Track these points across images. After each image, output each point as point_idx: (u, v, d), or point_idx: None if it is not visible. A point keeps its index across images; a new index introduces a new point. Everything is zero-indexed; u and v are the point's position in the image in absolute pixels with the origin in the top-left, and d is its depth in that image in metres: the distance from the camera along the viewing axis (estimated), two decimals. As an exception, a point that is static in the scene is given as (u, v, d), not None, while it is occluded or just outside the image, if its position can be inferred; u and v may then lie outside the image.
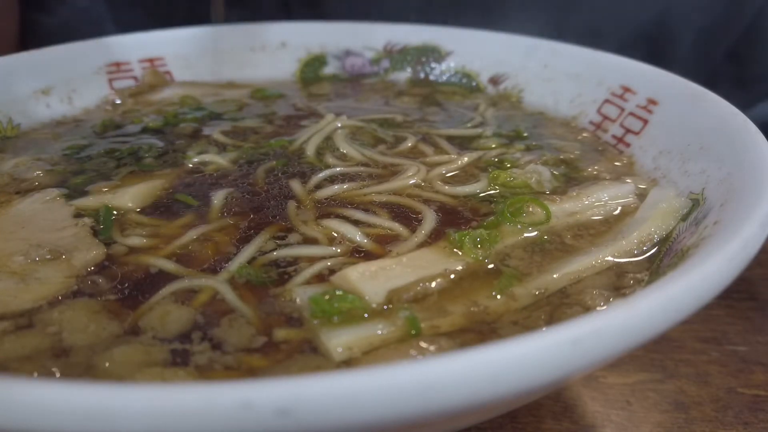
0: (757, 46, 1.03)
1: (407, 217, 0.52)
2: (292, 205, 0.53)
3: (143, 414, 0.22)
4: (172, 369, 0.36)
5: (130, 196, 0.54)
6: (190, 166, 0.62)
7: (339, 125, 0.68)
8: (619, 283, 0.44)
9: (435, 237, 0.48)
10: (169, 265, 0.45)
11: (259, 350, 0.38)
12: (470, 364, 0.24)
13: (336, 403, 0.22)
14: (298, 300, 0.41)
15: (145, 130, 0.71)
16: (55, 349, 0.37)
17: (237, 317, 0.40)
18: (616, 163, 0.62)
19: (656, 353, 0.59)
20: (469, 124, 0.74)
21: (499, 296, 0.42)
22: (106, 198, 0.54)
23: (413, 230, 0.49)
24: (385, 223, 0.50)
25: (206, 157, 0.63)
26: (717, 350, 0.59)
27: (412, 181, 0.58)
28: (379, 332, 0.38)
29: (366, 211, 0.52)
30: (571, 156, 0.64)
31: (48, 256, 0.45)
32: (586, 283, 0.44)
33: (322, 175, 0.58)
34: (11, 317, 0.40)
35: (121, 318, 0.40)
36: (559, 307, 0.42)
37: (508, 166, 0.61)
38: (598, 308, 0.41)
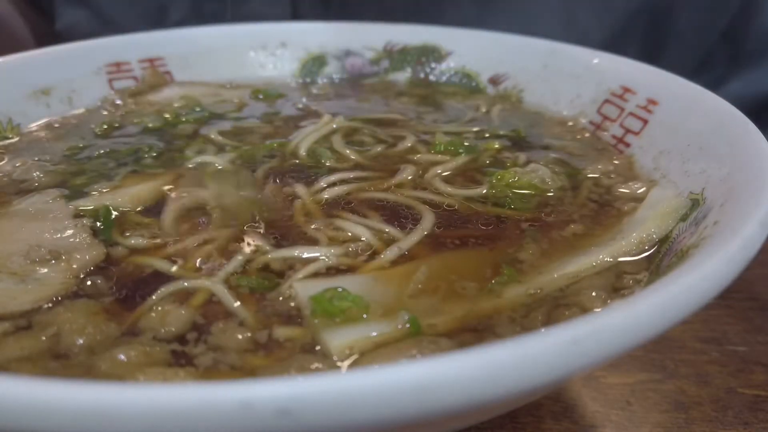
0: (752, 24, 1.03)
1: (407, 217, 0.52)
2: (290, 205, 0.53)
3: (143, 414, 0.22)
4: (172, 369, 0.36)
5: (130, 197, 0.54)
6: (190, 166, 0.62)
7: (335, 126, 0.68)
8: (618, 283, 0.44)
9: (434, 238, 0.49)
10: (169, 266, 0.45)
11: (259, 349, 0.38)
12: (471, 364, 0.24)
13: (336, 403, 0.22)
14: (298, 297, 0.41)
15: (145, 131, 0.71)
16: (55, 350, 0.37)
17: (236, 317, 0.40)
18: (616, 162, 0.62)
19: (656, 353, 0.59)
20: (468, 124, 0.74)
21: (496, 295, 0.42)
22: (106, 198, 0.54)
23: (412, 230, 0.49)
24: (378, 225, 0.50)
25: (206, 158, 0.63)
26: (717, 350, 0.59)
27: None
28: (380, 332, 0.38)
29: (366, 213, 0.52)
30: (571, 155, 0.64)
31: (48, 257, 0.45)
32: (585, 284, 0.44)
33: (326, 177, 0.58)
34: (11, 318, 0.40)
35: (120, 318, 0.40)
36: (557, 307, 0.42)
37: (508, 165, 0.61)
38: (596, 309, 0.41)
